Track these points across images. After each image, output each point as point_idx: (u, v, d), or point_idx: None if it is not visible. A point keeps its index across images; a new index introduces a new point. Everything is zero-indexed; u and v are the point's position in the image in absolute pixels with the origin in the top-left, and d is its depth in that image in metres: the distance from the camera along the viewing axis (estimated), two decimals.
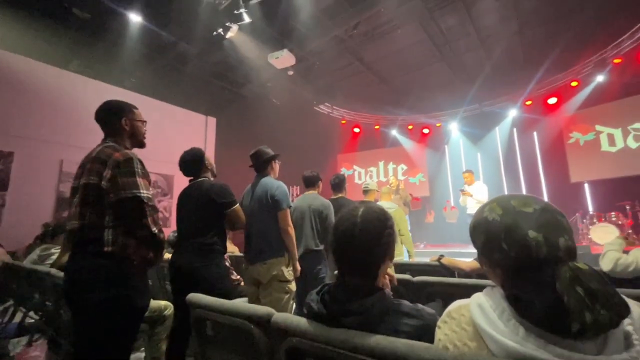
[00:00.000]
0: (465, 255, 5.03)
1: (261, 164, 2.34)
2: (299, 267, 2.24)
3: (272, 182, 2.23)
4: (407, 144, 10.56)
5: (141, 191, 1.32)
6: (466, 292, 1.54)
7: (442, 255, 2.23)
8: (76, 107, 6.07)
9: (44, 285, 2.36)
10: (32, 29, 5.29)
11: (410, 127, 10.36)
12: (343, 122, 10.98)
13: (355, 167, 11.67)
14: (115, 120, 1.48)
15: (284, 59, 6.23)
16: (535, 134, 8.49)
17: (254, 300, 2.16)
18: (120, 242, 1.28)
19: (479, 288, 0.74)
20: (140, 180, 1.33)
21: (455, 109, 9.41)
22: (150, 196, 1.36)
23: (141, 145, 1.58)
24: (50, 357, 2.07)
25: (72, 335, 1.32)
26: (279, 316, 0.92)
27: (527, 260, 0.59)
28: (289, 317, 0.91)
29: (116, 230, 1.28)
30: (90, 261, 1.26)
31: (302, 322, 0.85)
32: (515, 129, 8.79)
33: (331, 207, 2.73)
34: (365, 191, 3.71)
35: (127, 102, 1.55)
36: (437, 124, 10.00)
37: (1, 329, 2.92)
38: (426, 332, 0.77)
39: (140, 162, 1.39)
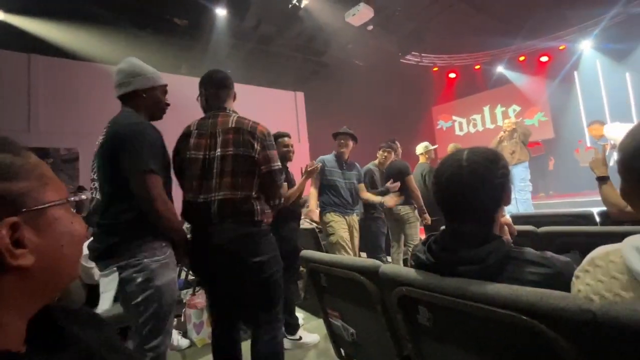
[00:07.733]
0: None
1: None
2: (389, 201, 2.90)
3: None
4: (519, 79, 8.86)
5: (278, 163, 1.48)
6: (616, 242, 1.26)
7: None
8: (192, 104, 7.16)
9: None
10: (147, 44, 6.33)
11: (521, 58, 8.62)
12: (435, 69, 9.89)
13: (454, 117, 10.54)
14: (230, 90, 1.62)
15: (361, 14, 5.88)
16: None
17: (350, 239, 2.78)
18: (264, 211, 1.44)
19: None
20: (275, 153, 1.48)
21: (586, 22, 7.33)
22: None
23: None
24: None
25: (234, 289, 1.52)
26: (386, 267, 0.95)
27: None
28: (396, 268, 0.92)
29: (261, 200, 1.44)
30: (248, 230, 1.39)
31: (410, 272, 0.85)
32: None
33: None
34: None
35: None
36: (560, 47, 8.04)
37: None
38: (557, 282, 0.66)
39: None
